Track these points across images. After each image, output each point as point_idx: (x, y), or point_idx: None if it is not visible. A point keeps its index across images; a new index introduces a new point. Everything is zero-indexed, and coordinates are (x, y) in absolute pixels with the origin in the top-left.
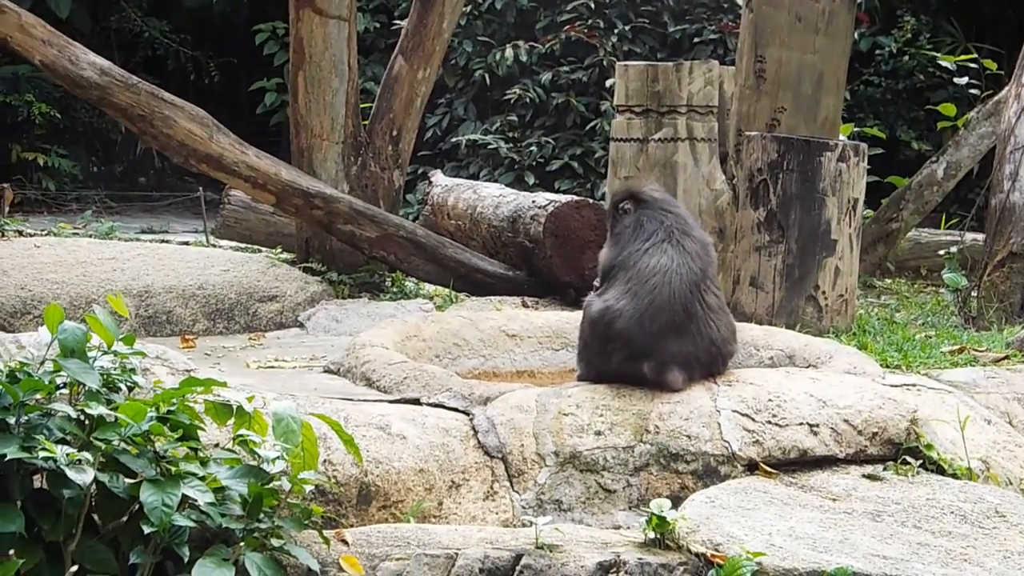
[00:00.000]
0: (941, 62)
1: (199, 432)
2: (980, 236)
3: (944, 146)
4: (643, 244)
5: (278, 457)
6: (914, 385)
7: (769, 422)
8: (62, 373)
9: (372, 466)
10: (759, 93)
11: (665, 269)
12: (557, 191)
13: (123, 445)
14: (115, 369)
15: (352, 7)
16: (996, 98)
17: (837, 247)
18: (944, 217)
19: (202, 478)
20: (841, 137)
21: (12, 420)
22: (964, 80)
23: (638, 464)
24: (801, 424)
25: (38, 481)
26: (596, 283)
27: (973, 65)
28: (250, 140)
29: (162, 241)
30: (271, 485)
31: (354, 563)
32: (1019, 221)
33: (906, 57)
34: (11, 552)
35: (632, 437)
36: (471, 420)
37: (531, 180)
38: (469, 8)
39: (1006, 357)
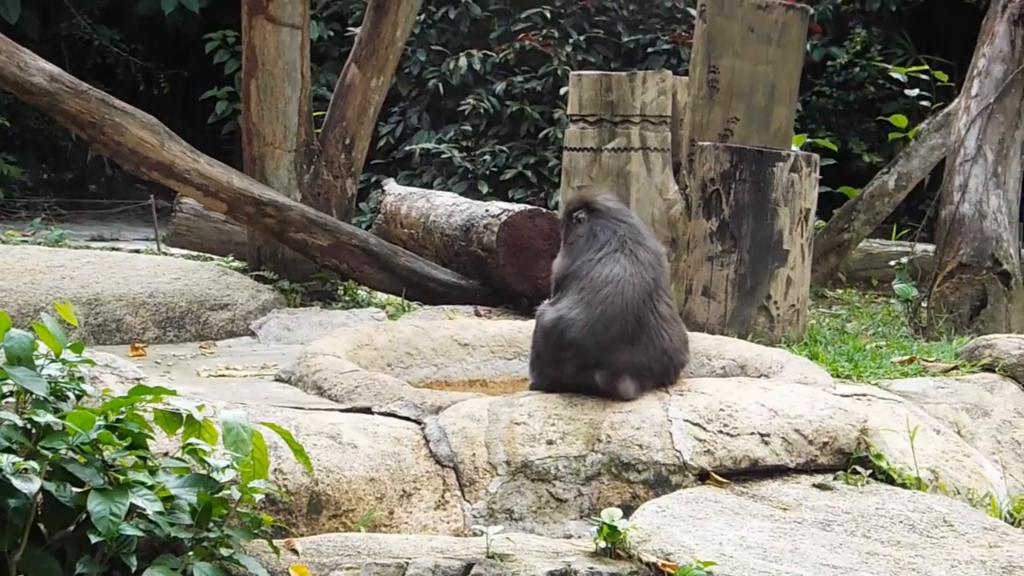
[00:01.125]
0: (892, 74)
1: (148, 441)
2: (930, 247)
3: (895, 157)
4: (596, 254)
5: (228, 466)
6: (864, 395)
7: (720, 432)
8: (8, 381)
9: (323, 475)
10: (712, 103)
11: (618, 279)
12: (511, 200)
13: (71, 454)
14: (63, 377)
15: (305, 15)
16: (946, 110)
17: (789, 257)
18: (895, 228)
19: (151, 487)
20: (793, 148)
21: None
22: (915, 92)
23: (589, 473)
24: (752, 434)
25: None
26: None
27: (924, 77)
28: (202, 148)
29: (112, 249)
30: (221, 494)
31: (304, 572)
32: (968, 232)
33: (857, 68)
34: None
35: (584, 446)
36: (423, 429)
37: (485, 189)
38: (423, 17)
39: (955, 367)
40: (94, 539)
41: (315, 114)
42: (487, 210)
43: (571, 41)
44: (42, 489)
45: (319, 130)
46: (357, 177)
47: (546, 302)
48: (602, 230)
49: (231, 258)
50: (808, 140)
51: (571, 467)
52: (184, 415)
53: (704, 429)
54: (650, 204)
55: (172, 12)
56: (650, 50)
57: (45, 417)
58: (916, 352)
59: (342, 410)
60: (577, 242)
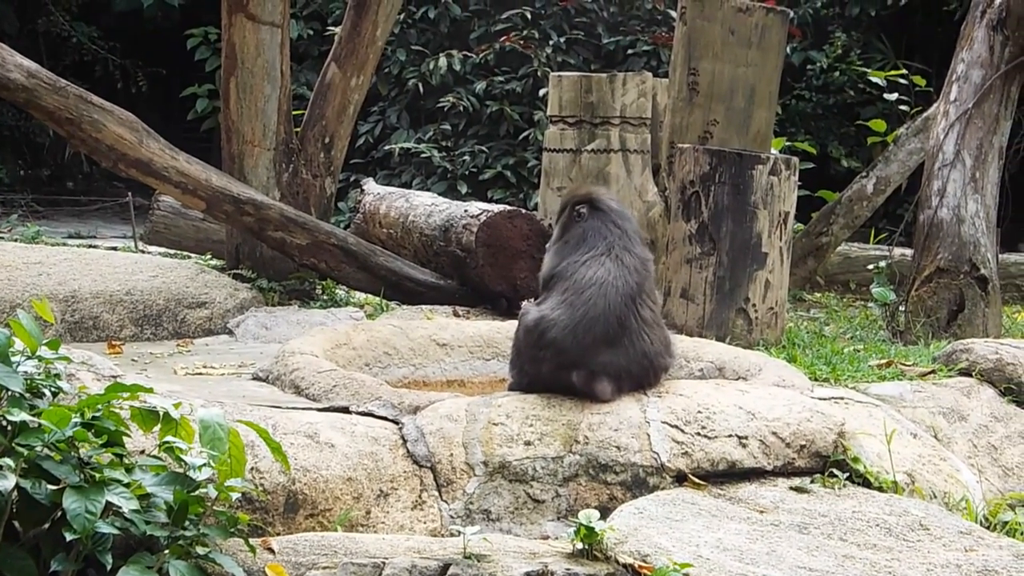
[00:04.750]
0: (871, 78)
1: (125, 438)
2: (908, 251)
3: (874, 161)
4: (583, 255)
5: (204, 464)
6: (842, 398)
7: (698, 434)
8: None
9: (300, 474)
10: (692, 105)
11: (601, 281)
12: (490, 200)
13: (46, 451)
14: (39, 374)
15: (285, 13)
16: (925, 115)
17: (768, 260)
18: (873, 232)
19: (127, 485)
20: (773, 151)
21: None
22: (894, 96)
23: (567, 474)
24: (730, 436)
25: None
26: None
27: (903, 81)
28: (180, 146)
29: (90, 246)
30: (197, 492)
31: (280, 571)
32: (947, 237)
33: (837, 73)
34: None
35: (561, 447)
36: (400, 429)
37: (464, 189)
38: (403, 17)
39: (932, 371)
40: (69, 537)
41: (294, 113)
42: (466, 210)
43: (551, 42)
44: (17, 486)
45: (298, 129)
46: (336, 176)
47: (530, 301)
48: (594, 232)
49: (209, 256)
50: (787, 143)
51: (549, 468)
52: (161, 413)
53: (682, 431)
54: (629, 206)
55: (151, 6)
56: (630, 52)
57: (20, 414)
58: (894, 356)
59: (320, 409)
60: (569, 241)
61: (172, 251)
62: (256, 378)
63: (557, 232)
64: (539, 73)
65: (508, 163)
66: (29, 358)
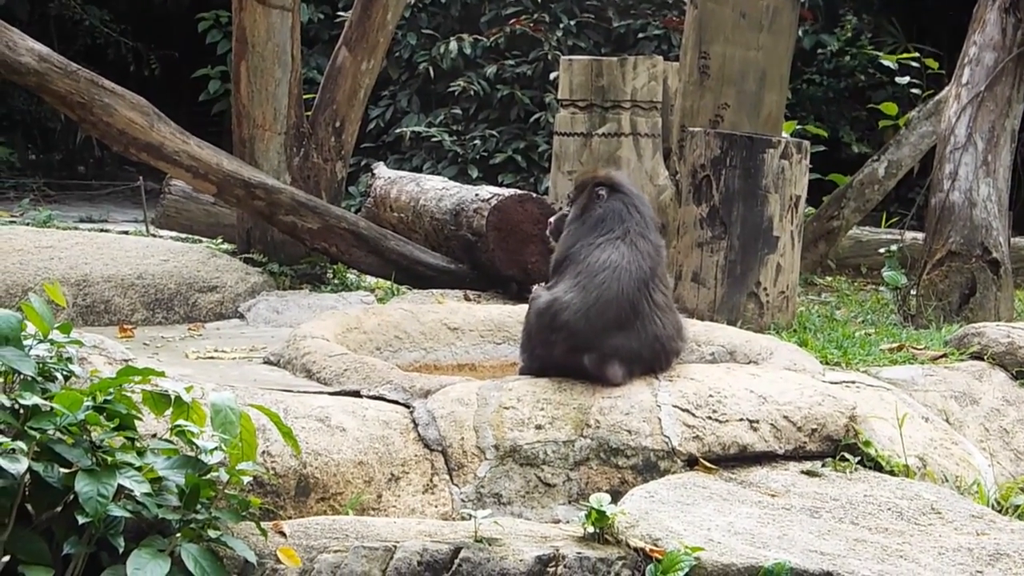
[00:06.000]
0: (883, 61)
1: (136, 422)
2: (920, 235)
3: (885, 145)
4: (597, 238)
5: (216, 448)
6: (853, 382)
7: (709, 418)
8: None
9: (311, 458)
10: (703, 89)
11: (615, 265)
12: (500, 185)
13: (58, 435)
14: (51, 358)
15: None
16: (937, 98)
17: (779, 244)
18: (884, 215)
19: (139, 468)
20: (784, 134)
21: None
22: (905, 79)
23: (578, 458)
24: (741, 420)
25: None
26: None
27: (914, 64)
28: (191, 130)
29: (101, 230)
30: (209, 476)
31: (291, 555)
32: (958, 220)
33: (848, 56)
34: None
35: (572, 431)
36: (411, 413)
37: (474, 173)
38: (414, 0)
39: (944, 355)
40: (81, 520)
41: (305, 97)
42: (477, 194)
43: (562, 26)
44: (30, 469)
45: (309, 113)
46: (347, 160)
47: (541, 285)
48: (613, 215)
49: (220, 240)
50: (798, 127)
51: (560, 452)
52: (172, 396)
53: (693, 415)
54: (640, 190)
55: None
56: (641, 35)
57: (32, 398)
58: (905, 340)
59: (331, 393)
60: (586, 222)
61: (183, 235)
62: (267, 362)
63: (574, 212)
64: (550, 57)
65: (519, 147)
66: (41, 341)
